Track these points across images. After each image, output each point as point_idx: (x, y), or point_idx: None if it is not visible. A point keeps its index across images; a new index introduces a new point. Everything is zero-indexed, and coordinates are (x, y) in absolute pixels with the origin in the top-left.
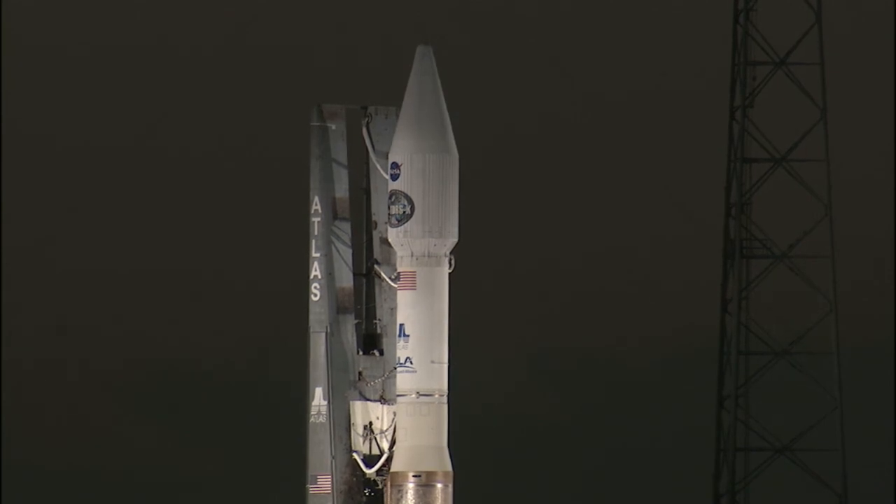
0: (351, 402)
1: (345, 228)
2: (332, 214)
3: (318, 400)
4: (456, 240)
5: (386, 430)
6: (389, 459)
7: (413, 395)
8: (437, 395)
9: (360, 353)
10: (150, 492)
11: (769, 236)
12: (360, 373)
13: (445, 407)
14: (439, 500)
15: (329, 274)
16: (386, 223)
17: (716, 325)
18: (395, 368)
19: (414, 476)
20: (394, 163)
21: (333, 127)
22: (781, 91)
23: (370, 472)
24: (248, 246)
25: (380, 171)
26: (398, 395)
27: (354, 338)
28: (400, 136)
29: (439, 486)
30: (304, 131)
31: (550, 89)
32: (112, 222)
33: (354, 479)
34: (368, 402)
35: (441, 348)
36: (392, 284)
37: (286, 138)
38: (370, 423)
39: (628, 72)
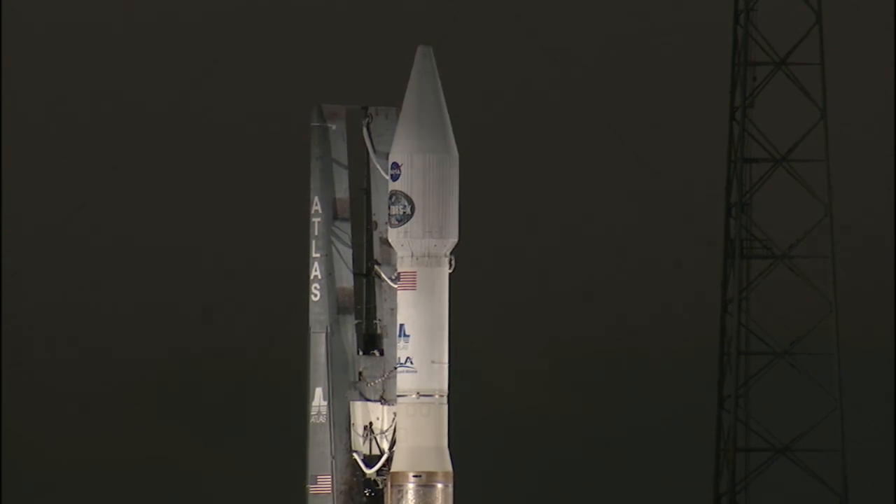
0: (351, 403)
1: (345, 229)
2: (333, 215)
3: (318, 400)
4: (456, 240)
5: (386, 431)
6: (389, 460)
7: (413, 396)
8: (437, 396)
9: (361, 353)
10: (149, 491)
11: (769, 236)
12: (360, 373)
13: (445, 407)
14: (439, 501)
15: (329, 274)
16: (386, 223)
17: (716, 325)
18: (396, 368)
19: (414, 476)
20: (394, 163)
21: (334, 127)
22: (781, 91)
23: (370, 472)
24: (248, 246)
25: (380, 171)
26: (398, 396)
27: (354, 338)
28: (400, 136)
29: (439, 486)
30: (305, 131)
31: (550, 89)
32: (112, 222)
33: (354, 479)
34: (368, 403)
35: (441, 348)
36: (392, 285)
37: (286, 138)
38: (370, 424)
39: (628, 71)
